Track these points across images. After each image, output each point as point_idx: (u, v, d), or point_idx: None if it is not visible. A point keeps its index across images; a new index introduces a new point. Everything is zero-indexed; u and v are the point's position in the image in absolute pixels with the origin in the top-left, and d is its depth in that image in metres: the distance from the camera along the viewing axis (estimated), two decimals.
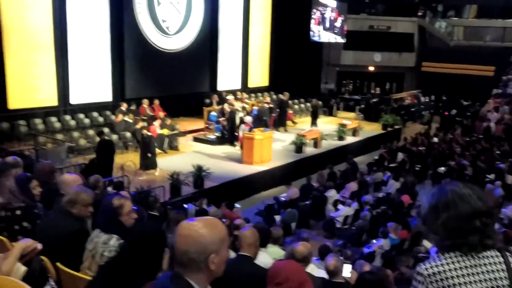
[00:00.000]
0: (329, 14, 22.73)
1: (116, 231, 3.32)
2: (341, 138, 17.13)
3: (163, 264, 3.15)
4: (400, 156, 15.53)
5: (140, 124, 14.12)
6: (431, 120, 21.94)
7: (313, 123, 18.51)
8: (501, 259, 1.90)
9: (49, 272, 3.15)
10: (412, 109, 22.76)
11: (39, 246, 3.01)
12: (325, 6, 22.50)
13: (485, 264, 1.88)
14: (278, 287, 2.94)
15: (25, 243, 2.89)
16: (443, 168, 14.33)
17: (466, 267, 1.87)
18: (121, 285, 2.46)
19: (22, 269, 2.81)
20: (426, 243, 9.42)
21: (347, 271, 4.83)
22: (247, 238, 3.94)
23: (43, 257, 3.13)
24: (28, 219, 3.88)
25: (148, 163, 12.33)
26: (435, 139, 17.64)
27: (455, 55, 25.03)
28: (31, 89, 13.58)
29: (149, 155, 12.37)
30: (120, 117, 14.18)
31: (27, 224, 3.87)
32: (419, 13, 26.18)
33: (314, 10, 22.00)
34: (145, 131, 12.70)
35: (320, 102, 20.33)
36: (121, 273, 2.50)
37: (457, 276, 1.86)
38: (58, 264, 3.26)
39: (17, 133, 13.01)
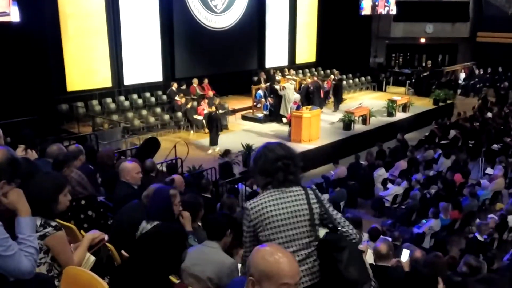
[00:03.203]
0: None
1: (167, 219, 3.54)
2: (390, 114, 16.86)
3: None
4: (452, 132, 15.16)
5: (190, 104, 14.49)
6: (487, 94, 21.10)
7: (337, 104, 17.58)
8: (303, 192, 2.56)
9: (115, 260, 3.44)
10: (464, 83, 21.97)
11: (106, 237, 3.29)
12: None
13: (290, 197, 2.54)
14: None
15: (92, 235, 3.17)
16: (497, 145, 13.90)
17: (277, 199, 2.52)
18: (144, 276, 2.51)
19: (92, 259, 3.09)
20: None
21: (405, 255, 4.92)
22: None
23: (109, 245, 3.42)
24: (92, 208, 4.19)
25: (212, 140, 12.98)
26: (489, 114, 17.05)
27: None
28: (87, 72, 14.16)
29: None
30: (183, 100, 14.52)
31: (92, 212, 4.18)
32: None
33: None
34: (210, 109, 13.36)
35: (342, 76, 19.99)
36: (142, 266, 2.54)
37: (271, 206, 2.51)
38: (123, 251, 3.54)
39: (76, 114, 13.67)
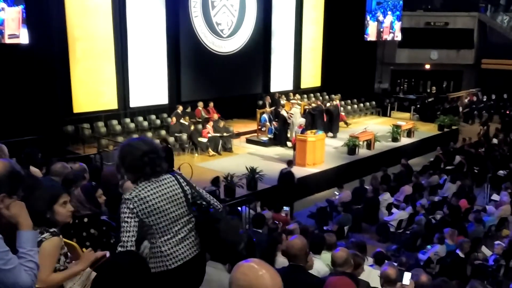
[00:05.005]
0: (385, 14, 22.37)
1: None
2: (395, 139, 16.85)
3: None
4: (458, 158, 15.10)
5: (192, 127, 14.56)
6: (490, 120, 21.09)
7: (331, 130, 17.10)
8: (173, 179, 2.91)
9: None
10: (467, 110, 21.97)
11: (107, 253, 3.26)
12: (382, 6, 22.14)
13: (165, 183, 2.86)
14: None
15: (88, 257, 3.04)
16: (503, 171, 13.82)
17: (153, 188, 2.81)
18: None
19: (93, 274, 3.06)
20: (485, 250, 9.17)
21: (406, 279, 4.85)
22: (293, 248, 4.03)
23: None
24: (95, 226, 4.15)
25: None
26: (495, 140, 17.00)
27: None
28: (94, 94, 14.29)
29: None
30: (174, 119, 14.64)
31: (94, 231, 4.13)
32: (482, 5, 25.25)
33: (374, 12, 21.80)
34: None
35: (344, 101, 20.12)
36: None
37: (150, 195, 2.79)
38: None
39: (82, 135, 13.74)
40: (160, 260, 2.94)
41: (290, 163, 12.13)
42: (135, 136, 14.18)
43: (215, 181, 10.67)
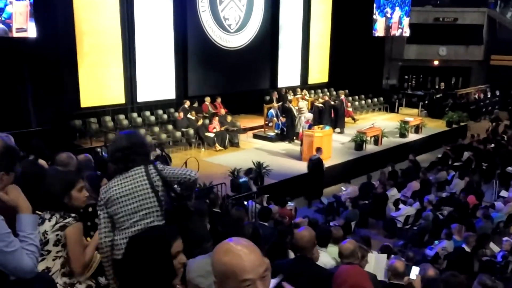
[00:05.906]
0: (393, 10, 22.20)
1: None
2: (403, 135, 16.75)
3: None
4: (466, 154, 14.98)
5: (200, 122, 14.55)
6: (499, 117, 20.90)
7: (337, 125, 16.87)
8: (143, 170, 2.95)
9: None
10: (473, 106, 21.78)
11: None
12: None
13: (132, 176, 2.95)
14: None
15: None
16: (511, 168, 13.68)
17: (120, 179, 2.96)
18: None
19: (98, 256, 3.09)
20: (493, 246, 9.08)
21: (414, 273, 4.82)
22: (301, 240, 4.00)
23: None
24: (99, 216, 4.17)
25: None
26: (504, 137, 16.86)
27: None
28: (101, 88, 14.29)
29: None
30: (181, 114, 14.64)
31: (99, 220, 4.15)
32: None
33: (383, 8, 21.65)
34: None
35: (352, 97, 20.09)
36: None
37: (115, 186, 2.95)
38: None
39: (89, 130, 13.77)
40: (112, 249, 3.00)
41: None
42: (142, 130, 14.22)
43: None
